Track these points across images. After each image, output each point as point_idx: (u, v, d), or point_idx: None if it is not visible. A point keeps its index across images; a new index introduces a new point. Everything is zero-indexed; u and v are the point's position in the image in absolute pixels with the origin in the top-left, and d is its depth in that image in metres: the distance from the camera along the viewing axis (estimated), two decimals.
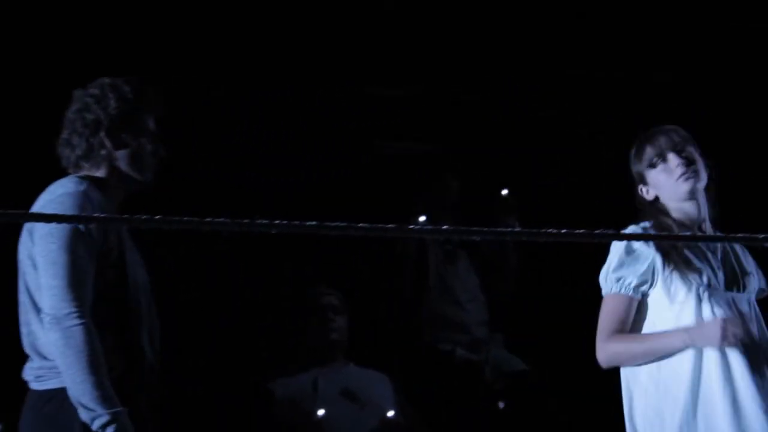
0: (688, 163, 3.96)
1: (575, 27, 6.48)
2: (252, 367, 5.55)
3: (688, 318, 3.84)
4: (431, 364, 5.85)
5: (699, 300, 3.85)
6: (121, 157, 3.76)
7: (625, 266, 3.92)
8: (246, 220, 2.43)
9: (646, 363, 3.90)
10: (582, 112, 6.78)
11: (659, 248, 3.86)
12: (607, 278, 3.97)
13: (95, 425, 3.60)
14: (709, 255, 3.93)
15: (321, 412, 5.14)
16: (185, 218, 2.37)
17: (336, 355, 5.43)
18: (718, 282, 3.89)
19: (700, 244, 3.95)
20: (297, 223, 2.39)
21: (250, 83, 6.16)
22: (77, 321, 3.56)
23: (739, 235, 2.59)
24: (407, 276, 5.97)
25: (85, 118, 3.76)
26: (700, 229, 3.99)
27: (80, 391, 3.56)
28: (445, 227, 2.55)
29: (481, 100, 6.78)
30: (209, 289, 5.89)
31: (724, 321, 3.78)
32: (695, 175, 3.95)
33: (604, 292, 4.00)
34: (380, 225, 2.55)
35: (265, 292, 5.94)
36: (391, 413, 5.25)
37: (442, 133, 6.70)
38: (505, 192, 6.00)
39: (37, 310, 3.63)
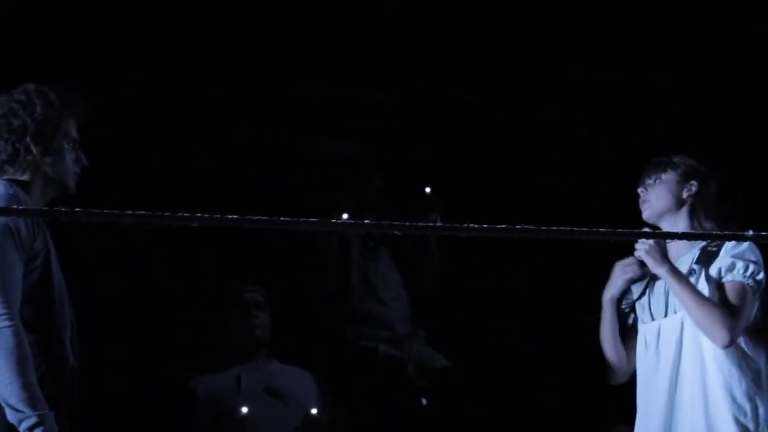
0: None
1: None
2: (174, 363, 5.51)
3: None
4: (354, 360, 5.85)
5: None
6: (47, 163, 3.80)
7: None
8: (167, 213, 2.42)
9: None
10: (517, 109, 6.81)
11: None
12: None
13: (22, 427, 3.60)
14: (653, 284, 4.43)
15: (244, 409, 5.12)
16: (105, 211, 2.35)
17: (259, 351, 5.42)
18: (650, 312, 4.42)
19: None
20: (218, 216, 2.39)
21: (176, 76, 6.13)
22: (7, 323, 3.56)
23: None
24: (330, 273, 5.97)
25: (11, 123, 3.79)
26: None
27: (8, 392, 3.56)
28: (366, 221, 2.56)
29: (406, 98, 6.79)
30: (130, 283, 5.85)
31: None
32: (645, 206, 4.43)
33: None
34: (302, 219, 2.55)
35: (187, 288, 5.91)
36: (314, 410, 5.24)
37: (367, 132, 6.70)
38: (428, 190, 6.02)
39: None
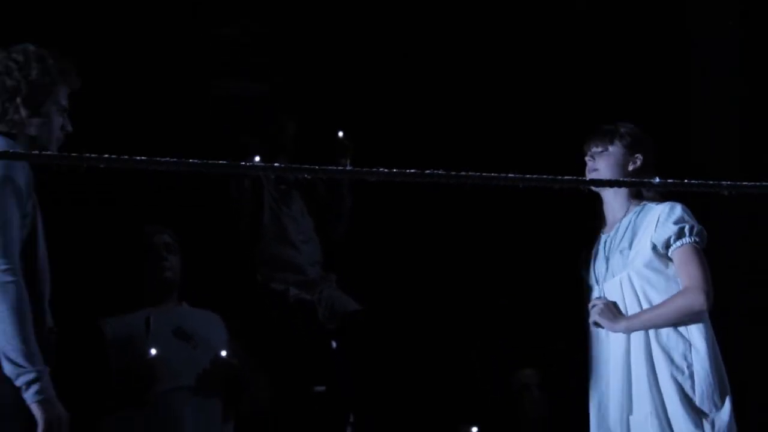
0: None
1: None
2: (83, 305, 5.47)
3: None
4: (264, 303, 5.85)
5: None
6: (33, 124, 3.86)
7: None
8: (74, 154, 2.40)
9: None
10: (432, 51, 6.81)
11: None
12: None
13: (20, 381, 3.68)
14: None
15: (153, 351, 5.10)
16: (12, 151, 2.33)
17: (169, 294, 5.39)
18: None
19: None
20: (126, 157, 2.37)
21: (86, 19, 6.05)
22: (10, 278, 3.64)
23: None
24: (241, 216, 5.95)
25: (5, 82, 3.88)
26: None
27: (10, 346, 3.64)
28: (276, 164, 2.55)
29: (319, 40, 6.76)
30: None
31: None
32: (593, 175, 4.56)
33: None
34: (212, 161, 2.54)
35: (96, 230, 5.86)
36: (223, 353, 5.24)
37: (279, 74, 6.67)
38: (341, 134, 6.01)
39: None
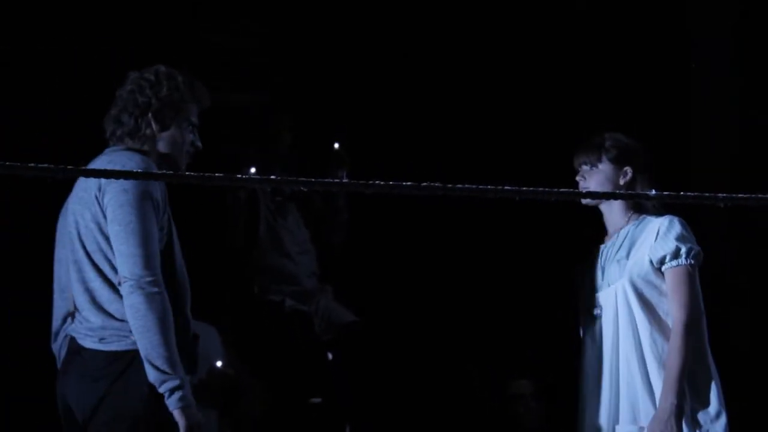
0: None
1: None
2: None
3: None
4: (260, 314, 5.85)
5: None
6: (163, 138, 4.10)
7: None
8: (70, 167, 2.39)
9: None
10: (429, 66, 6.81)
11: None
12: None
13: (164, 388, 3.81)
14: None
15: None
16: (5, 163, 2.32)
17: None
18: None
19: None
20: (122, 170, 2.36)
21: (80, 24, 6.05)
22: (156, 289, 3.82)
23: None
24: (237, 227, 5.95)
25: (137, 99, 4.09)
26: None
27: (156, 353, 3.79)
28: (272, 177, 2.55)
29: (316, 50, 6.76)
30: (37, 240, 5.78)
31: None
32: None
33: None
34: (207, 174, 2.54)
35: None
36: (219, 364, 5.24)
37: (277, 85, 6.67)
38: (337, 146, 6.02)
39: (98, 269, 3.91)
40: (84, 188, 3.91)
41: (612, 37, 6.74)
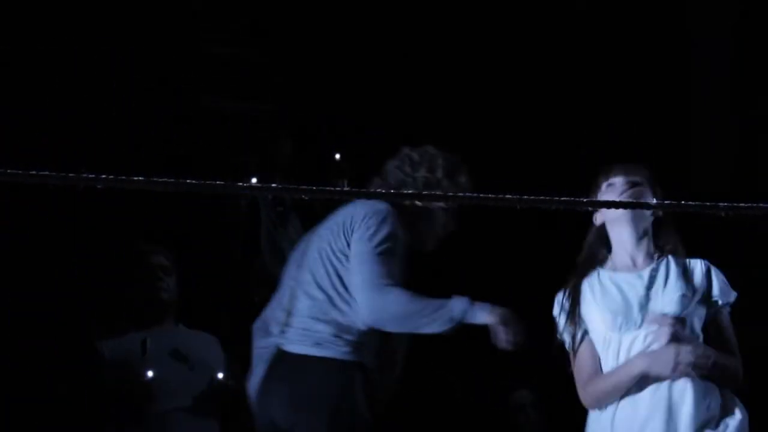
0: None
1: None
2: (79, 327, 5.47)
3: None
4: None
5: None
6: (421, 215, 4.32)
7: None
8: (72, 174, 2.39)
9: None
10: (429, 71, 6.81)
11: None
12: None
13: (461, 316, 4.33)
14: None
15: (150, 373, 5.10)
16: (9, 171, 2.33)
17: (165, 315, 5.39)
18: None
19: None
20: (124, 178, 2.37)
21: (85, 33, 6.06)
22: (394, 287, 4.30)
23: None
24: (238, 237, 5.95)
25: (397, 175, 4.34)
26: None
27: (441, 319, 4.29)
28: (273, 185, 2.55)
29: (320, 60, 6.77)
30: (35, 245, 5.79)
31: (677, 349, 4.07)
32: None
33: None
34: (208, 182, 2.53)
35: (93, 250, 5.86)
36: (220, 374, 5.24)
37: (278, 94, 6.68)
38: (338, 156, 6.02)
39: (343, 287, 4.36)
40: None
41: (612, 37, 6.74)
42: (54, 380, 5.35)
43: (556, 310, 4.32)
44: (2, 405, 5.54)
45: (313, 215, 6.11)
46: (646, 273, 4.27)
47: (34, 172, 2.30)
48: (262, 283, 5.94)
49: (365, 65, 6.78)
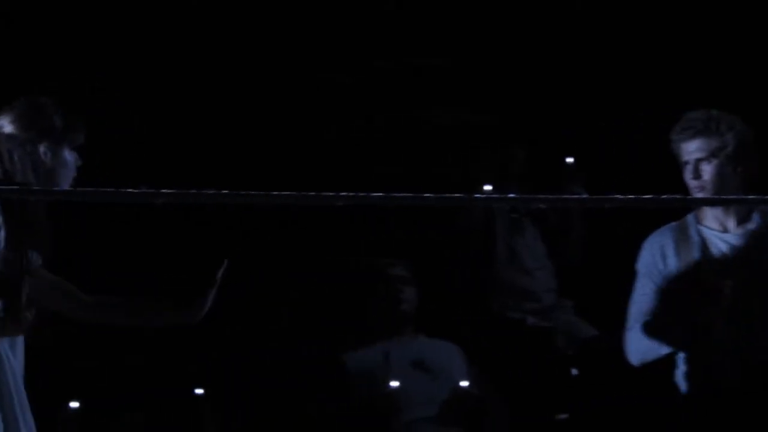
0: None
1: None
2: (322, 340, 5.58)
3: None
4: (502, 333, 5.85)
5: None
6: None
7: None
8: (311, 193, 2.44)
9: None
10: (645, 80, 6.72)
11: None
12: None
13: None
14: None
15: (394, 384, 5.16)
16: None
17: (406, 326, 5.44)
18: None
19: None
20: (363, 194, 2.41)
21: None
22: None
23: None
24: (474, 245, 5.96)
25: None
26: None
27: None
28: (510, 195, 2.56)
29: (545, 68, 6.75)
30: (276, 264, 5.93)
31: None
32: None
33: None
34: (445, 195, 2.56)
35: (333, 265, 5.96)
36: (463, 383, 5.26)
37: (507, 103, 6.68)
38: (570, 160, 5.97)
39: None
40: None
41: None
42: (301, 395, 5.46)
43: None
44: (253, 418, 5.69)
45: (546, 221, 6.09)
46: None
47: (278, 192, 2.37)
48: (500, 290, 5.94)
49: (592, 66, 6.73)
